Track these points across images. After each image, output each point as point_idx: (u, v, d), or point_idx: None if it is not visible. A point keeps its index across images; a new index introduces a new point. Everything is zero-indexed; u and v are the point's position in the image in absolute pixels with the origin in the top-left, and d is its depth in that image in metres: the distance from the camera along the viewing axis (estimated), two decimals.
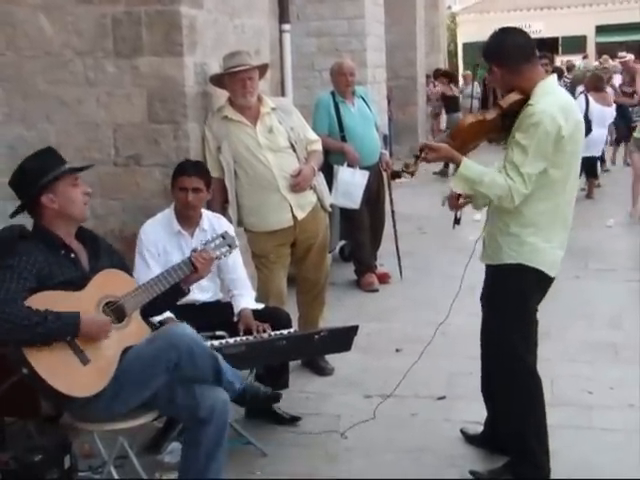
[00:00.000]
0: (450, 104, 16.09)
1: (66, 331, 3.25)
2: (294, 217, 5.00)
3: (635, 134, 10.49)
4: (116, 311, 3.45)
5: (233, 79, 4.85)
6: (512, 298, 3.74)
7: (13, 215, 3.60)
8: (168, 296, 3.67)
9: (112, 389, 3.34)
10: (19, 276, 3.26)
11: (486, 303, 3.95)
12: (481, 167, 3.65)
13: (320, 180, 5.27)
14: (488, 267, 3.88)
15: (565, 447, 4.08)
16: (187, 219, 4.45)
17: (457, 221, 4.19)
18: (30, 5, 4.80)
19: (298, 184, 4.92)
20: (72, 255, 3.48)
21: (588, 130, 9.97)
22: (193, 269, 3.68)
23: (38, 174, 3.45)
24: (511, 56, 3.67)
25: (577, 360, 5.36)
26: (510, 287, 3.74)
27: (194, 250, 3.76)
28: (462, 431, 4.31)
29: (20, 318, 3.15)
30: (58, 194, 3.45)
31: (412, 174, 3.73)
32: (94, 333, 3.31)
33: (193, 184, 4.37)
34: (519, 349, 3.76)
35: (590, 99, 10.82)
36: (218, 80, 4.95)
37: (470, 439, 4.25)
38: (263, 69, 5.09)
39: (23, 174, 3.52)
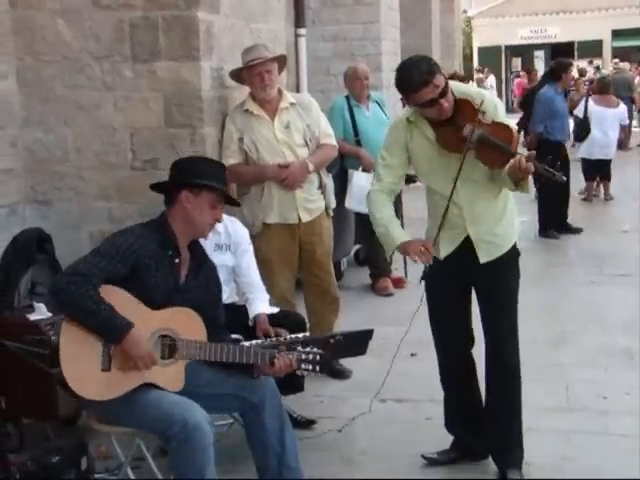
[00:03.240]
0: None
1: (109, 334, 3.24)
2: (299, 218, 5.01)
3: None
4: (169, 348, 3.36)
5: (251, 73, 4.86)
6: (517, 278, 3.87)
7: (152, 187, 3.64)
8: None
9: (119, 404, 3.29)
10: (115, 258, 3.29)
11: (504, 295, 3.89)
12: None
13: (328, 182, 5.27)
14: (490, 265, 3.81)
15: (580, 452, 4.09)
16: None
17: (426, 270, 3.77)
18: (49, 10, 4.85)
19: (285, 179, 4.85)
20: (176, 260, 3.46)
21: (587, 131, 9.99)
22: (270, 365, 3.40)
23: (199, 173, 3.49)
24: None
25: (592, 365, 5.34)
26: (516, 264, 3.88)
27: (278, 346, 3.50)
28: (424, 457, 4.13)
29: (83, 299, 3.18)
30: (197, 200, 3.46)
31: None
32: (133, 354, 3.25)
33: None
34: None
35: (590, 101, 10.90)
36: (237, 75, 4.97)
37: (435, 462, 4.11)
38: (281, 61, 5.08)
39: (189, 163, 3.59)
